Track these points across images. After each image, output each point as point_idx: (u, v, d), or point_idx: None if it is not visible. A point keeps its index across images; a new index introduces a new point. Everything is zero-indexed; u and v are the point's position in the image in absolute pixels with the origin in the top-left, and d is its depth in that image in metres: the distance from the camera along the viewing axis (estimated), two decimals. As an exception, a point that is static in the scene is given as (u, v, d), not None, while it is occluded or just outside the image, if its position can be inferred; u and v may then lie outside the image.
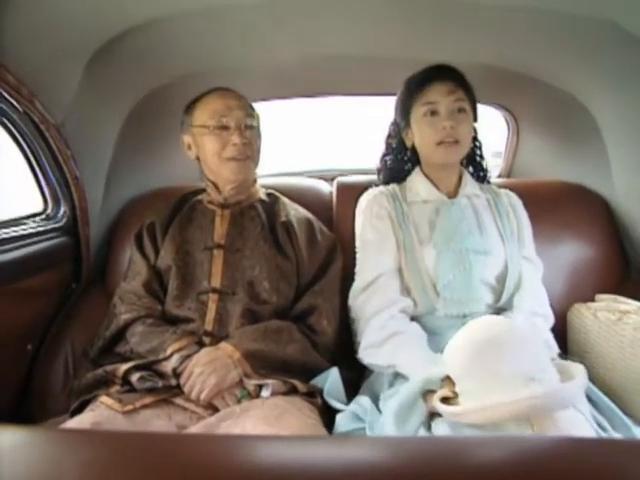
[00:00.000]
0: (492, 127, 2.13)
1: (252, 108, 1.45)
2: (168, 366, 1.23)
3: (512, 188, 1.54)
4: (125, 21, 1.29)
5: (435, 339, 1.27)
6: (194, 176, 1.58)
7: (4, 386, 1.39)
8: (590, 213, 1.71)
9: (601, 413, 1.11)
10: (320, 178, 1.94)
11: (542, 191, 1.75)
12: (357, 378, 1.38)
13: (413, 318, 1.33)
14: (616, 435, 1.06)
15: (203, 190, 1.52)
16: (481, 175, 1.54)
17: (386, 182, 1.53)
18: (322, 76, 1.86)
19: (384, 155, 1.57)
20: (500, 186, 1.54)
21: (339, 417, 1.18)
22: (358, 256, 1.45)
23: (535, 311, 1.32)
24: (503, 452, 0.49)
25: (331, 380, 1.26)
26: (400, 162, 1.53)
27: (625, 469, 0.46)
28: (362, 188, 1.55)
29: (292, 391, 1.23)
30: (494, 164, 2.04)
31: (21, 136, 1.41)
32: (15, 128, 1.38)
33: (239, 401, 1.20)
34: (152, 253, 1.43)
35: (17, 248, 1.36)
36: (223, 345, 1.25)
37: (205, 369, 1.19)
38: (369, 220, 1.43)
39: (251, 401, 1.19)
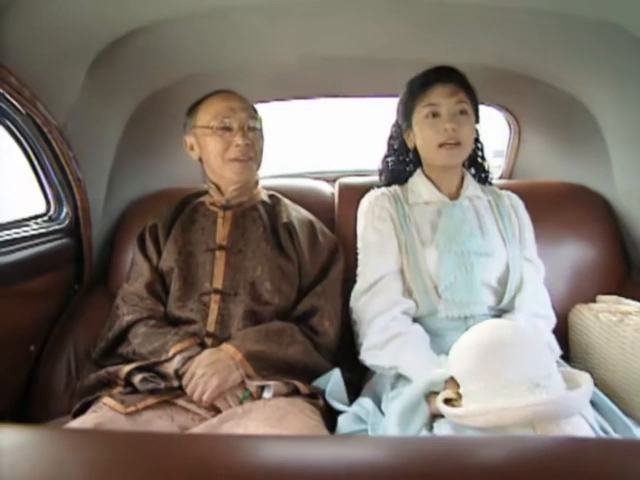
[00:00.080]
0: (492, 126, 2.13)
1: (255, 110, 1.45)
2: (170, 367, 1.23)
3: (514, 189, 1.54)
4: (127, 23, 1.29)
5: (436, 341, 1.27)
6: (196, 177, 1.59)
7: (7, 387, 1.39)
8: (591, 214, 1.71)
9: (602, 415, 1.10)
10: (322, 179, 1.94)
11: (543, 192, 1.75)
12: (359, 379, 1.38)
13: (414, 320, 1.33)
14: (617, 437, 1.06)
15: (205, 192, 1.53)
16: (483, 176, 1.54)
17: (388, 183, 1.53)
18: (323, 78, 1.87)
19: (386, 156, 1.57)
20: (502, 187, 1.54)
21: (341, 418, 1.18)
22: (360, 257, 1.45)
23: (537, 313, 1.32)
24: (505, 452, 0.49)
25: (333, 381, 1.26)
26: (402, 163, 1.53)
27: (625, 469, 0.46)
28: (364, 189, 1.55)
29: (294, 392, 1.23)
30: (495, 163, 2.03)
31: (23, 138, 1.41)
32: (17, 130, 1.39)
33: (241, 402, 1.20)
34: (154, 255, 1.44)
35: (20, 249, 1.36)
36: (225, 346, 1.25)
37: (207, 370, 1.19)
38: (371, 222, 1.43)
39: (253, 402, 1.19)
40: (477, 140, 1.50)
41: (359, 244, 1.48)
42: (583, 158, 1.85)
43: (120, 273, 1.63)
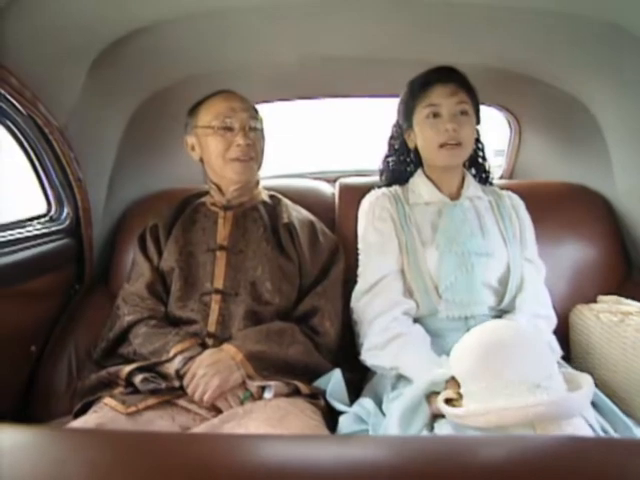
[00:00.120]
0: (493, 125, 2.13)
1: (256, 110, 1.45)
2: (171, 368, 1.24)
3: (514, 189, 1.54)
4: (128, 24, 1.30)
5: (437, 341, 1.27)
6: (197, 178, 1.59)
7: (8, 387, 1.40)
8: (592, 214, 1.70)
9: (603, 415, 1.10)
10: (322, 180, 1.94)
11: (544, 192, 1.75)
12: (360, 380, 1.38)
13: (415, 320, 1.33)
14: (617, 437, 1.06)
15: (206, 192, 1.53)
16: (483, 177, 1.54)
17: (388, 184, 1.53)
18: (323, 78, 1.87)
19: (386, 156, 1.57)
20: (502, 187, 1.54)
21: (342, 419, 1.18)
22: (361, 258, 1.45)
23: (537, 313, 1.32)
24: (505, 452, 0.49)
25: (334, 382, 1.26)
26: (402, 164, 1.53)
27: (625, 469, 0.46)
28: (364, 190, 1.55)
29: (295, 393, 1.23)
30: (495, 163, 2.04)
31: (24, 138, 1.41)
32: (19, 130, 1.39)
33: (242, 402, 1.20)
34: (155, 255, 1.44)
35: (21, 250, 1.37)
36: (226, 347, 1.25)
37: (208, 370, 1.19)
38: (371, 222, 1.43)
39: (254, 403, 1.19)
40: (478, 140, 1.50)
41: (360, 244, 1.48)
42: (584, 158, 1.85)
43: (121, 273, 1.63)
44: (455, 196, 1.43)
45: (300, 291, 1.41)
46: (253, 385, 1.22)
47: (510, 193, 1.50)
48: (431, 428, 1.07)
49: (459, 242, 1.33)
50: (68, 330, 1.56)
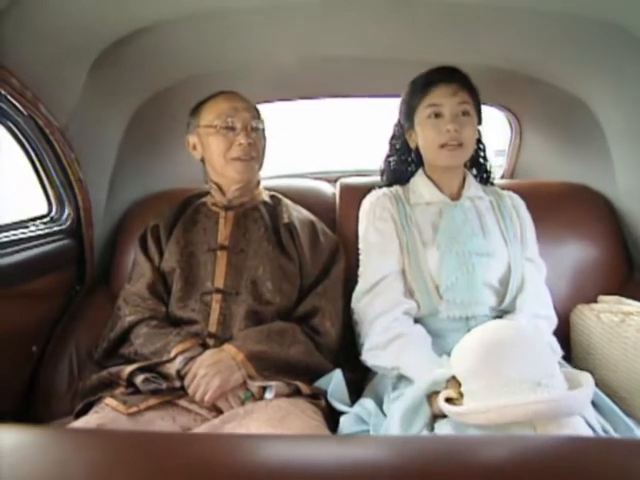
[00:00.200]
0: (493, 125, 2.13)
1: (257, 111, 1.46)
2: (172, 368, 1.24)
3: (515, 189, 1.54)
4: (129, 24, 1.30)
5: (438, 341, 1.27)
6: (198, 178, 1.58)
7: (9, 387, 1.40)
8: (593, 213, 1.70)
9: (604, 416, 1.10)
10: (323, 180, 1.94)
11: (545, 192, 1.75)
12: (361, 380, 1.38)
13: (416, 320, 1.33)
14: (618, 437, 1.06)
15: (207, 192, 1.53)
16: (484, 177, 1.54)
17: (389, 184, 1.53)
18: (324, 78, 1.87)
19: (388, 156, 1.56)
20: (503, 187, 1.54)
21: (343, 419, 1.18)
22: (361, 258, 1.45)
23: (538, 313, 1.32)
24: (505, 451, 0.49)
25: (335, 382, 1.26)
26: (403, 163, 1.53)
27: (626, 469, 0.46)
28: (365, 190, 1.55)
29: (296, 393, 1.23)
30: (496, 162, 2.03)
31: (25, 139, 1.41)
32: (19, 131, 1.39)
33: (243, 403, 1.20)
34: (156, 255, 1.44)
35: (22, 250, 1.37)
36: (227, 347, 1.25)
37: (209, 371, 1.19)
38: (372, 222, 1.43)
39: (255, 403, 1.19)
40: (479, 141, 1.50)
41: (360, 244, 1.47)
42: (584, 157, 1.85)
43: (122, 274, 1.63)
44: (456, 196, 1.43)
45: (301, 291, 1.41)
46: (254, 385, 1.22)
47: (511, 193, 1.50)
48: (431, 428, 1.07)
49: (460, 242, 1.33)
50: (69, 330, 1.56)
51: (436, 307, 1.32)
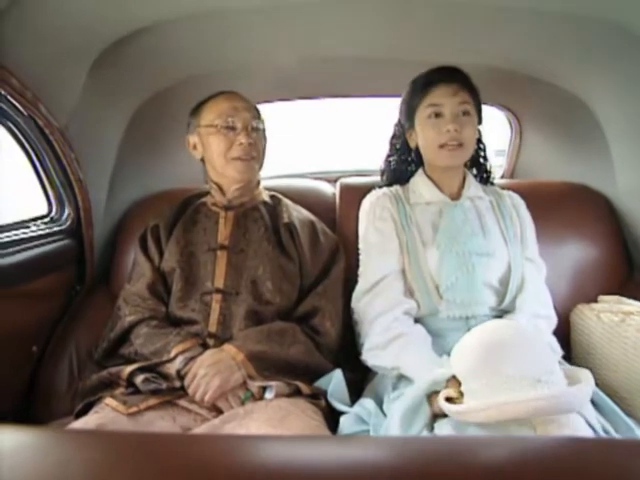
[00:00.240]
0: (493, 125, 2.13)
1: (258, 111, 1.46)
2: (172, 368, 1.24)
3: (515, 189, 1.54)
4: (129, 24, 1.30)
5: (438, 341, 1.27)
6: (198, 178, 1.58)
7: (9, 387, 1.40)
8: (593, 213, 1.70)
9: (604, 416, 1.10)
10: (323, 180, 1.94)
11: (545, 192, 1.75)
12: (361, 380, 1.38)
13: (416, 320, 1.33)
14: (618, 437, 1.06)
15: (207, 192, 1.53)
16: (484, 177, 1.54)
17: (389, 183, 1.53)
18: (324, 78, 1.87)
19: (388, 156, 1.56)
20: (503, 187, 1.54)
21: (343, 419, 1.18)
22: (361, 258, 1.45)
23: (538, 313, 1.32)
24: (506, 452, 0.49)
25: (335, 382, 1.26)
26: (404, 163, 1.53)
27: (626, 469, 0.46)
28: (365, 190, 1.55)
29: (296, 393, 1.23)
30: (496, 162, 2.03)
31: (25, 139, 1.41)
32: (19, 131, 1.39)
33: (243, 403, 1.20)
34: (156, 255, 1.44)
35: (22, 251, 1.37)
36: (227, 347, 1.25)
37: (209, 371, 1.19)
38: (372, 222, 1.43)
39: (255, 403, 1.19)
40: (479, 141, 1.50)
41: (360, 244, 1.47)
42: (585, 157, 1.84)
43: (122, 274, 1.63)
44: (456, 196, 1.43)
45: (301, 291, 1.41)
46: (254, 385, 1.22)
47: (511, 193, 1.50)
48: (431, 428, 1.07)
49: (460, 242, 1.33)
50: (69, 330, 1.56)
51: (436, 307, 1.32)
